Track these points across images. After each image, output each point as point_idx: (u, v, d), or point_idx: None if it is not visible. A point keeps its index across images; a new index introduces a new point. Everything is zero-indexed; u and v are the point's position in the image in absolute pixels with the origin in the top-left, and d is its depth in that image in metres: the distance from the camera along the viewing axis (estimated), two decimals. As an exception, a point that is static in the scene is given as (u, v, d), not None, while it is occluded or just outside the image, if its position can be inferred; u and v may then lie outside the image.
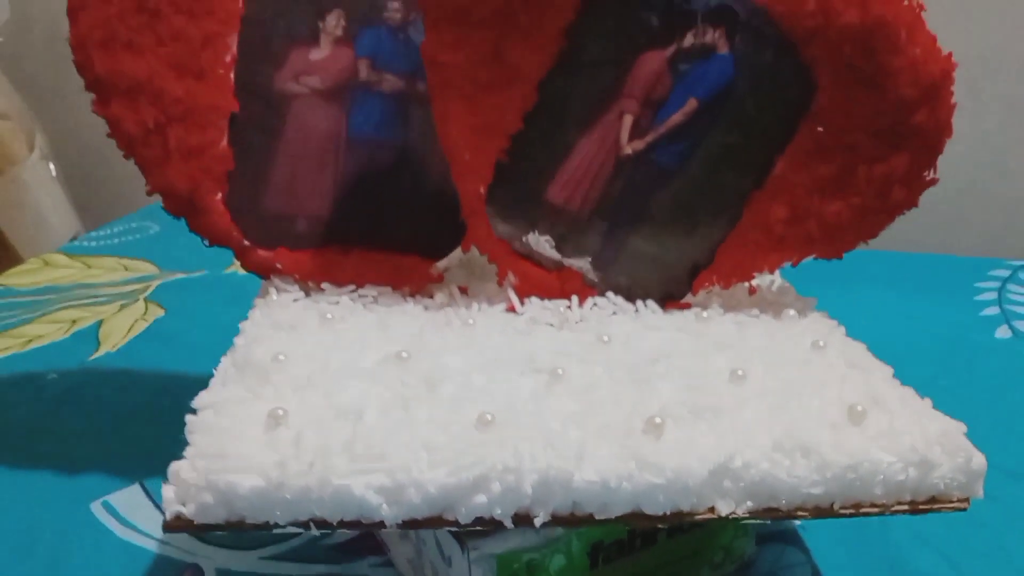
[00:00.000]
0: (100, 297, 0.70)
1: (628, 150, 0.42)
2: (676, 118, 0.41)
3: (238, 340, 0.38)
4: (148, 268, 0.77)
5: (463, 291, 0.44)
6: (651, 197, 0.42)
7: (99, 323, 0.65)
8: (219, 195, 0.43)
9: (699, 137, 0.42)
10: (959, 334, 0.64)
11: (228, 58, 0.43)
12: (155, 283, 0.73)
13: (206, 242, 0.44)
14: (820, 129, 0.41)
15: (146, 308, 0.68)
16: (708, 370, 0.36)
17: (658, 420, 0.31)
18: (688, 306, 0.43)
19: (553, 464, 0.29)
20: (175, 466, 0.29)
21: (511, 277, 0.43)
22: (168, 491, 0.28)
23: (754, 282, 0.45)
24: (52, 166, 0.92)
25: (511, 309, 0.42)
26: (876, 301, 0.68)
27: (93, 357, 0.60)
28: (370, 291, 0.43)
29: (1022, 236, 0.85)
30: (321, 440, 0.30)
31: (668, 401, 0.33)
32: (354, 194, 0.44)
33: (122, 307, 0.68)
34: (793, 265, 0.43)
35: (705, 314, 0.42)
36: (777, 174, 0.42)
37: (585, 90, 0.41)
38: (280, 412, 0.31)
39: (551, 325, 0.41)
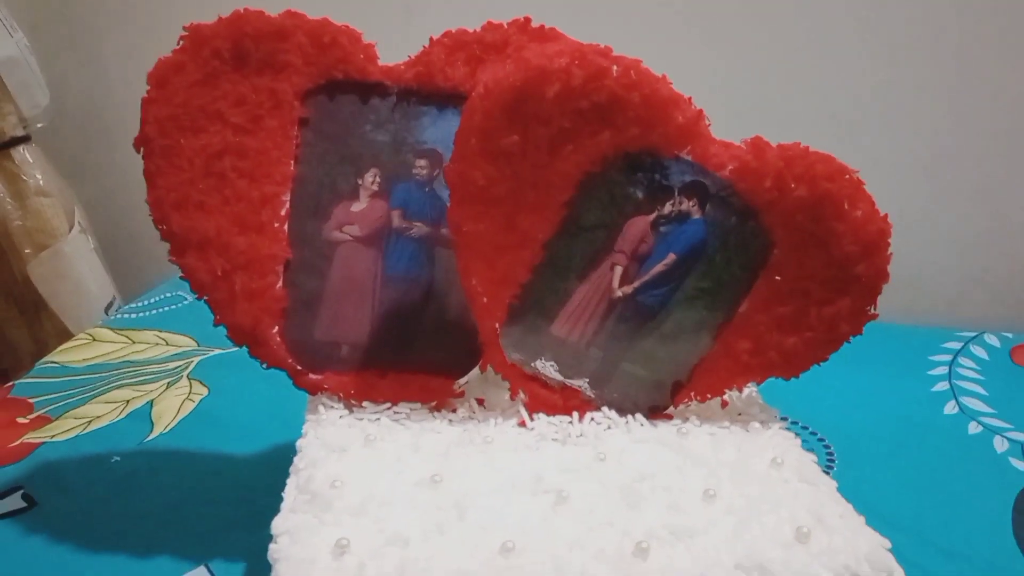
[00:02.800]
0: (147, 375, 0.78)
1: (619, 293, 0.50)
2: (658, 268, 0.50)
3: (298, 462, 0.46)
4: (187, 343, 0.84)
5: (480, 403, 0.53)
6: (638, 330, 0.51)
7: (151, 404, 0.72)
8: (276, 328, 0.51)
9: (677, 283, 0.50)
10: (911, 410, 0.71)
11: (283, 212, 0.51)
12: (195, 359, 0.80)
13: (264, 365, 0.52)
14: (778, 278, 0.49)
15: (190, 387, 0.75)
16: (686, 487, 0.44)
17: (644, 545, 0.39)
18: (671, 417, 0.52)
19: (563, 580, 0.38)
20: (268, 591, 0.37)
21: (522, 394, 0.51)
22: (263, 611, 0.37)
23: (725, 396, 0.53)
24: (90, 238, 1.00)
25: (522, 423, 0.50)
26: (836, 373, 0.74)
27: (149, 438, 0.67)
28: (403, 408, 0.51)
29: (975, 307, 0.93)
30: (378, 567, 0.38)
31: (653, 523, 0.41)
32: (389, 323, 0.52)
33: (168, 385, 0.75)
34: (757, 384, 0.52)
35: (684, 428, 0.50)
36: (742, 313, 0.50)
37: (583, 247, 0.49)
38: (344, 542, 0.39)
39: (555, 440, 0.49)
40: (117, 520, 0.57)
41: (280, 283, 0.51)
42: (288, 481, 0.44)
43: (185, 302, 0.94)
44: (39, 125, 0.96)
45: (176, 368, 0.79)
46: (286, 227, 0.51)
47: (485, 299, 0.49)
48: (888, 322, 0.85)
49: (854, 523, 0.42)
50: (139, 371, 0.78)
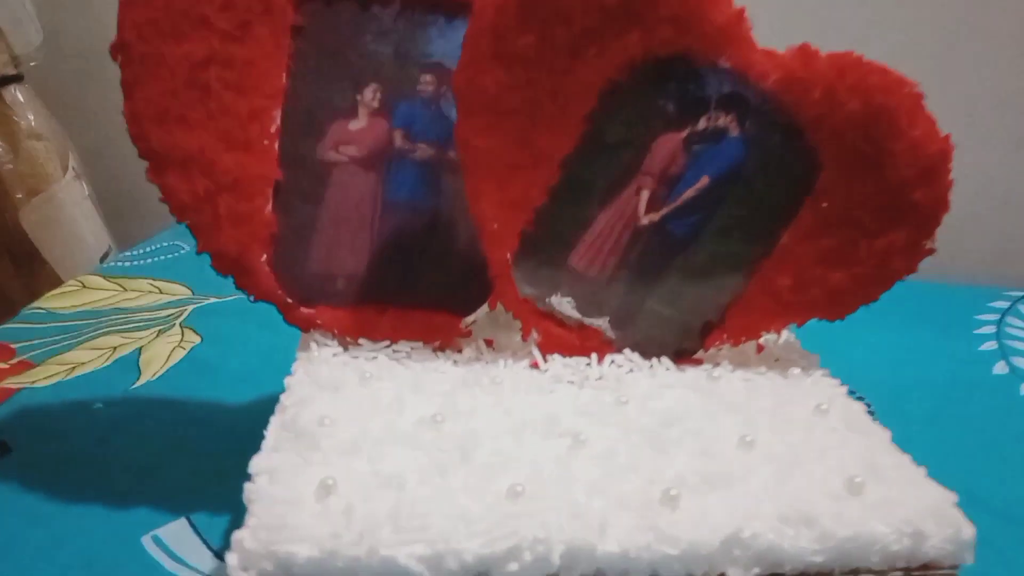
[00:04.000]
0: (137, 322, 0.73)
1: (645, 221, 0.45)
2: (690, 193, 0.45)
3: (285, 400, 0.41)
4: (182, 291, 0.80)
5: (489, 344, 0.48)
6: (666, 264, 0.45)
7: (139, 351, 0.68)
8: (264, 256, 0.46)
9: (711, 211, 0.45)
10: (957, 369, 0.66)
11: (273, 130, 0.45)
12: (189, 308, 0.75)
13: (251, 298, 0.47)
14: (824, 205, 0.44)
15: (182, 334, 0.70)
16: (719, 434, 0.39)
17: (673, 492, 0.34)
18: (700, 362, 0.46)
19: (578, 535, 0.33)
20: (238, 535, 0.32)
21: (535, 334, 0.46)
22: (232, 559, 0.32)
23: (761, 340, 0.48)
24: (85, 185, 0.96)
25: (535, 365, 0.45)
26: (876, 333, 0.70)
27: (135, 386, 0.63)
28: (404, 346, 0.46)
29: (1021, 265, 0.87)
30: (369, 510, 0.33)
31: (682, 469, 0.36)
32: (389, 255, 0.48)
33: (159, 333, 0.71)
34: (798, 326, 0.46)
35: (716, 372, 0.45)
36: (783, 245, 0.45)
37: (606, 168, 0.44)
38: (330, 482, 0.34)
39: (572, 383, 0.44)
40: (96, 469, 0.54)
41: (269, 207, 0.46)
42: (272, 419, 0.40)
43: (183, 251, 0.90)
44: (32, 64, 0.91)
45: (168, 316, 0.75)
46: (276, 145, 0.46)
47: (496, 225, 0.44)
48: (930, 281, 0.80)
49: (913, 475, 0.37)
50: (129, 318, 0.74)
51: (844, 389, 0.44)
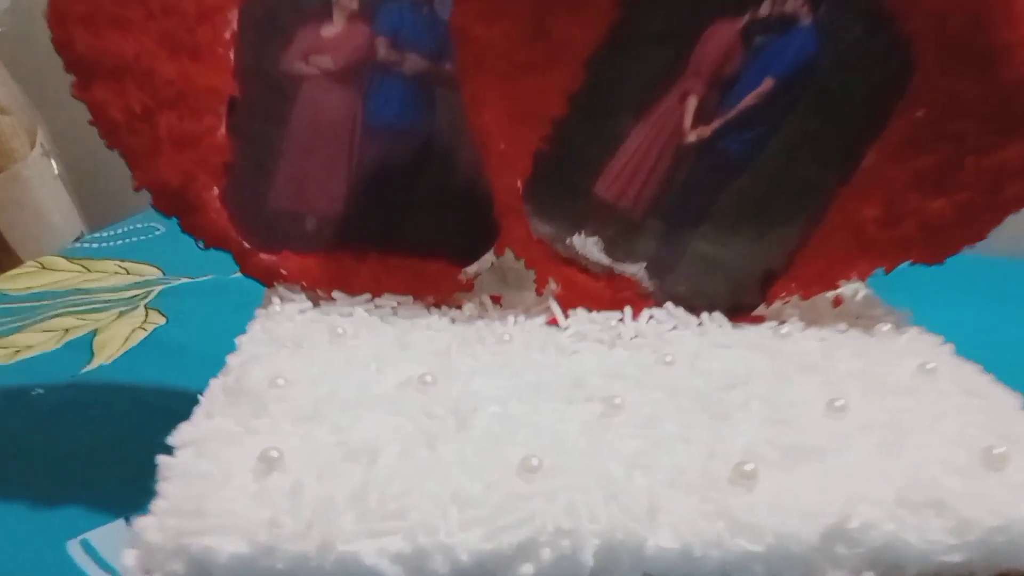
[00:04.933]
0: (98, 304, 0.65)
1: (691, 137, 0.36)
2: (748, 101, 0.36)
3: (232, 359, 0.32)
4: (151, 272, 0.71)
5: (496, 301, 0.38)
6: (717, 193, 0.37)
7: (94, 332, 0.59)
8: (216, 190, 0.37)
9: (775, 123, 0.36)
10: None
11: (228, 35, 0.37)
12: (157, 288, 0.67)
13: (201, 244, 0.38)
14: (920, 114, 0.35)
15: (146, 315, 0.62)
16: (797, 399, 0.30)
17: (748, 467, 0.25)
18: (761, 319, 0.37)
19: (619, 524, 0.23)
20: (139, 525, 0.23)
21: (552, 285, 0.37)
22: (130, 557, 0.22)
23: (839, 290, 0.38)
24: (54, 163, 0.87)
25: (552, 322, 0.36)
26: (961, 311, 0.59)
27: (85, 370, 0.55)
28: (388, 301, 0.37)
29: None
30: (325, 490, 0.24)
31: (753, 439, 0.27)
32: (371, 190, 0.39)
33: (120, 314, 0.63)
34: (886, 272, 0.37)
35: (784, 329, 0.35)
36: (868, 167, 0.36)
37: (641, 68, 0.35)
38: (275, 453, 0.25)
39: (601, 342, 0.35)
40: (28, 462, 0.46)
41: (222, 129, 0.37)
42: (212, 382, 0.30)
43: (157, 232, 0.81)
44: (-2, 30, 0.84)
45: (133, 297, 0.66)
46: (232, 54, 0.38)
47: (502, 145, 0.35)
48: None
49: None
50: (87, 300, 0.66)
51: (951, 347, 0.34)
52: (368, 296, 0.37)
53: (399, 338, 0.34)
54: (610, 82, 0.35)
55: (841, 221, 0.36)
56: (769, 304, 0.38)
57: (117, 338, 0.59)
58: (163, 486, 0.24)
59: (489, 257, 0.39)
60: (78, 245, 0.79)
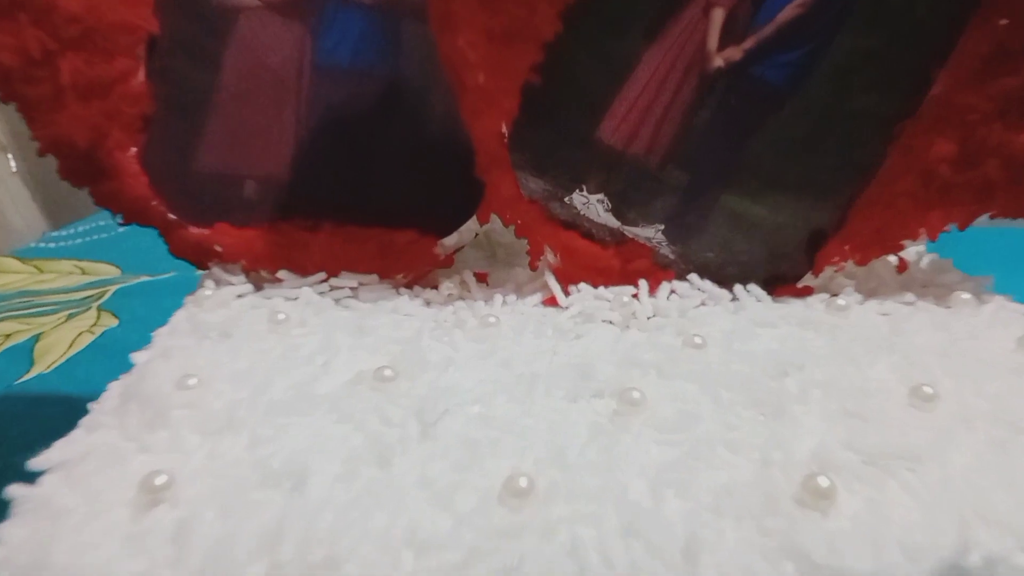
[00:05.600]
0: (47, 306, 0.58)
1: (719, 62, 0.28)
2: (788, 13, 0.28)
3: (138, 357, 0.25)
4: (109, 271, 0.64)
5: (481, 279, 0.32)
6: (752, 133, 0.29)
7: (36, 338, 0.52)
8: (133, 150, 0.31)
9: (823, 41, 0.28)
10: None
11: None
12: (112, 288, 0.60)
13: (119, 218, 0.31)
14: (1003, 23, 0.27)
15: (97, 317, 0.56)
16: (870, 386, 0.23)
17: (823, 481, 0.17)
18: (808, 291, 0.30)
19: (645, 569, 0.16)
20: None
21: (549, 255, 0.30)
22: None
23: (903, 253, 0.31)
24: (11, 159, 0.80)
25: (550, 302, 0.29)
26: None
27: (21, 380, 0.48)
28: (347, 281, 0.30)
29: None
30: (227, 530, 0.17)
31: (823, 441, 0.20)
32: (324, 146, 0.32)
33: (69, 317, 0.56)
34: (960, 228, 0.29)
35: (841, 301, 0.28)
36: (937, 95, 0.28)
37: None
38: (161, 479, 0.18)
39: (611, 323, 0.28)
40: None
41: (140, 73, 0.30)
42: (110, 385, 0.23)
43: (121, 229, 0.73)
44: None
45: (85, 299, 0.59)
46: None
47: (480, 77, 0.27)
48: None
49: None
50: (35, 302, 0.58)
51: (1052, 317, 0.27)
52: (322, 276, 0.30)
53: (356, 324, 0.27)
54: (614, -5, 0.28)
55: (906, 164, 0.29)
56: (817, 273, 0.30)
57: (61, 343, 0.52)
58: (5, 527, 0.17)
59: (472, 226, 0.32)
60: (35, 245, 0.72)
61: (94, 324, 0.55)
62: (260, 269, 0.31)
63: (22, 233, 0.80)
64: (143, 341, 0.52)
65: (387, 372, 0.23)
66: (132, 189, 0.30)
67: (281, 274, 0.30)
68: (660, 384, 0.23)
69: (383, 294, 0.30)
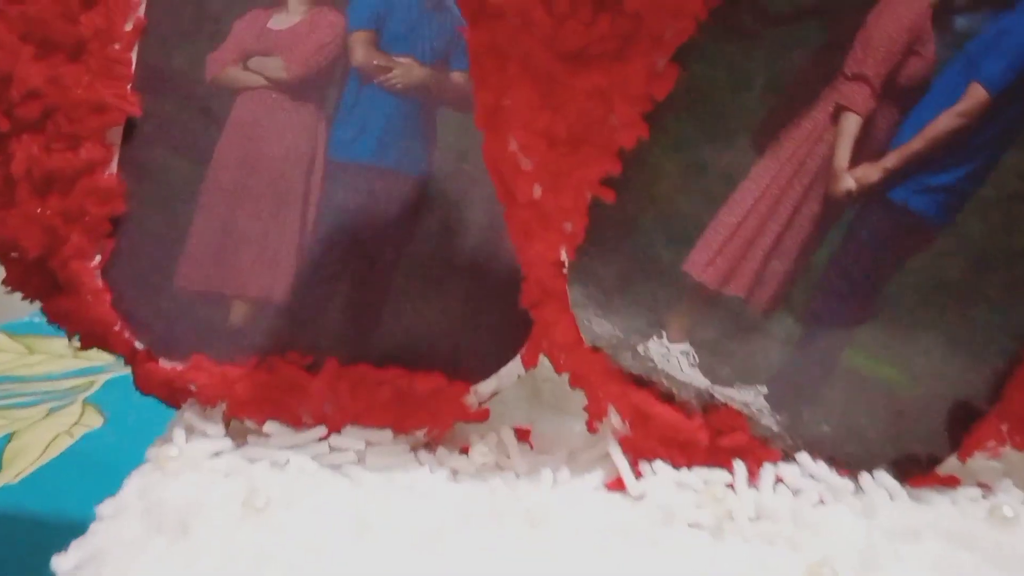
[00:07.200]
0: (28, 396, 0.53)
1: (850, 183, 0.22)
2: (944, 123, 0.22)
3: (60, 563, 0.18)
4: (101, 357, 0.59)
5: (522, 437, 0.26)
6: (889, 275, 0.23)
7: (8, 437, 0.48)
8: (96, 258, 0.26)
9: (986, 161, 0.22)
10: None
11: (128, 26, 0.27)
12: (103, 378, 0.55)
13: (74, 340, 0.25)
14: None
15: (81, 414, 0.52)
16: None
17: None
18: (954, 482, 0.23)
19: None
20: None
21: (615, 419, 0.24)
22: None
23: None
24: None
25: (615, 485, 0.23)
26: None
27: (-12, 490, 0.43)
28: (352, 441, 0.24)
29: None
30: None
31: None
32: (333, 261, 0.26)
33: (50, 412, 0.51)
34: None
35: (1008, 511, 0.21)
36: None
37: (767, 61, 0.21)
38: None
39: (698, 527, 0.21)
40: None
41: (112, 166, 0.26)
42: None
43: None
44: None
45: (71, 389, 0.55)
46: (133, 53, 0.26)
47: (538, 191, 0.21)
48: None
49: None
50: (17, 391, 0.54)
51: None
52: (320, 431, 0.24)
53: (358, 514, 0.20)
54: (712, 86, 0.22)
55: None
56: (964, 459, 0.23)
57: (34, 447, 0.48)
58: None
59: (514, 369, 0.26)
60: (27, 319, 0.67)
61: (75, 423, 0.51)
62: (243, 417, 0.25)
63: (16, 303, 0.75)
64: (124, 450, 0.47)
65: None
66: (91, 309, 0.26)
67: (269, 427, 0.24)
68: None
69: (397, 459, 0.24)
